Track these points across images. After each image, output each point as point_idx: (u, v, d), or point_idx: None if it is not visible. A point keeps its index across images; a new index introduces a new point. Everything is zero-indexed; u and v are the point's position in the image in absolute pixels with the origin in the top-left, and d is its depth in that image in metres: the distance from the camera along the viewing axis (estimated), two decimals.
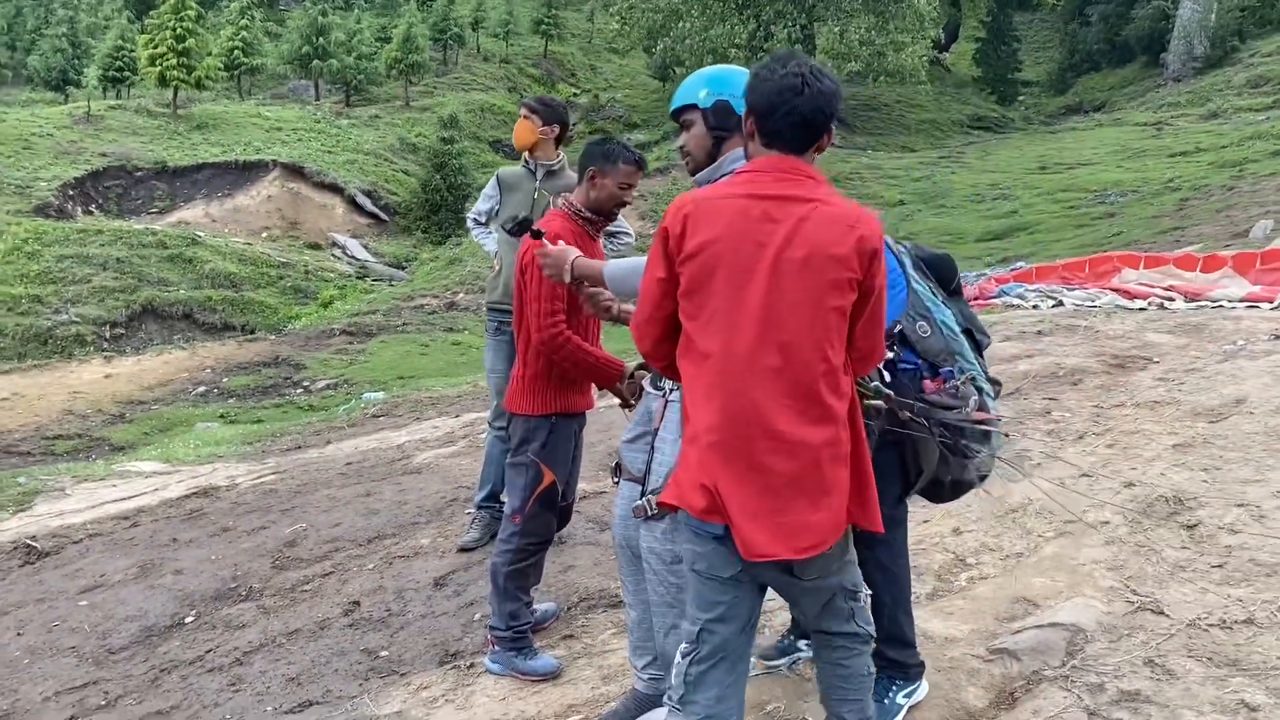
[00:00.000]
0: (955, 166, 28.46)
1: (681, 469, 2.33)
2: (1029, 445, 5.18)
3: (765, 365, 2.21)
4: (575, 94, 40.52)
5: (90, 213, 25.07)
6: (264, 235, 25.89)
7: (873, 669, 2.60)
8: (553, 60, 44.31)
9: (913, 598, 3.66)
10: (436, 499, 5.60)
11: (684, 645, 2.37)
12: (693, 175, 2.86)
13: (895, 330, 2.75)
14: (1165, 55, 35.73)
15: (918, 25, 33.46)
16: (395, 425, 8.41)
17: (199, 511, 6.00)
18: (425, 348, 18.11)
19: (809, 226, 2.22)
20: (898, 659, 2.98)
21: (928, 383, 2.79)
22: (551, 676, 3.51)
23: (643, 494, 2.87)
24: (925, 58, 33.88)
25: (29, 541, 5.75)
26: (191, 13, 29.22)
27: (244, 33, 34.51)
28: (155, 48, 28.94)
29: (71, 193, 25.25)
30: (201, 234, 23.70)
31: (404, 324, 19.74)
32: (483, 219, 4.96)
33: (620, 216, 3.80)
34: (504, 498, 4.77)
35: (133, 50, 31.31)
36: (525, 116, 4.55)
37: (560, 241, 3.04)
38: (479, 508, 4.84)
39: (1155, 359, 6.69)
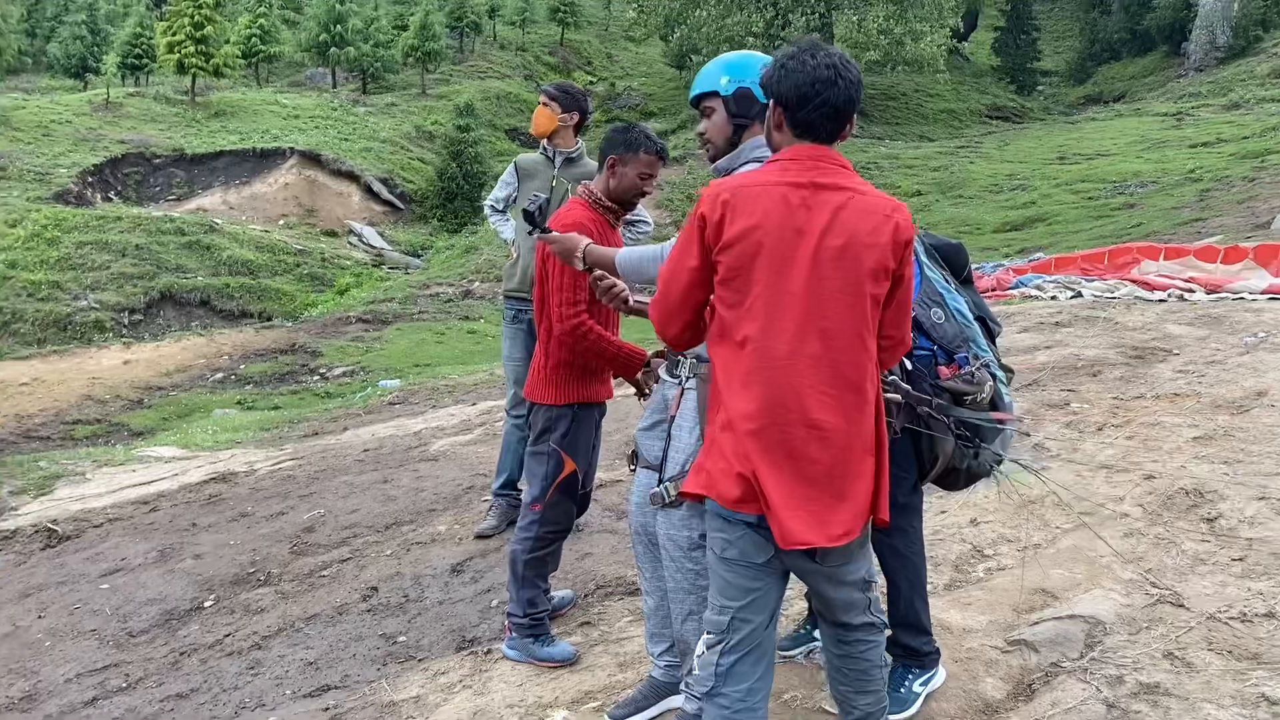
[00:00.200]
0: (973, 156, 28.29)
1: (711, 457, 2.32)
2: (1047, 437, 5.16)
3: (807, 353, 2.21)
4: (591, 82, 40.45)
5: (109, 199, 25.21)
6: (281, 223, 25.98)
7: (888, 659, 2.60)
8: (569, 48, 44.24)
9: (931, 588, 3.67)
10: (454, 486, 5.62)
11: (709, 636, 2.36)
12: (712, 162, 2.85)
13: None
14: (1187, 45, 35.41)
15: (936, 14, 33.24)
16: (412, 413, 8.45)
17: (218, 497, 6.05)
18: (441, 336, 18.15)
19: (847, 215, 2.22)
20: (914, 646, 2.99)
21: (942, 369, 2.79)
22: (569, 663, 3.51)
23: (659, 481, 2.87)
24: (944, 47, 33.63)
25: (50, 525, 5.81)
26: (210, 0, 29.28)
27: (262, 20, 34.62)
28: (173, 35, 29.06)
29: (91, 180, 25.39)
30: (219, 221, 23.79)
31: (420, 312, 19.79)
32: (500, 206, 4.95)
33: (639, 206, 3.79)
34: (521, 485, 4.80)
35: (151, 38, 31.45)
36: (544, 104, 4.53)
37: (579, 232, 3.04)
38: (496, 495, 4.86)
39: (1175, 351, 6.64)
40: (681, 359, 2.84)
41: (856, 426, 2.26)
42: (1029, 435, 5.13)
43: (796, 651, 3.31)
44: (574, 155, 4.57)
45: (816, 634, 3.34)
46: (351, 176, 27.64)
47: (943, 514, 4.35)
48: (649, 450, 3.00)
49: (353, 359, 16.70)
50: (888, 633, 2.61)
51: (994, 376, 2.83)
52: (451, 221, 27.90)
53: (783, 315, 2.21)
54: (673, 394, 2.90)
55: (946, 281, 2.83)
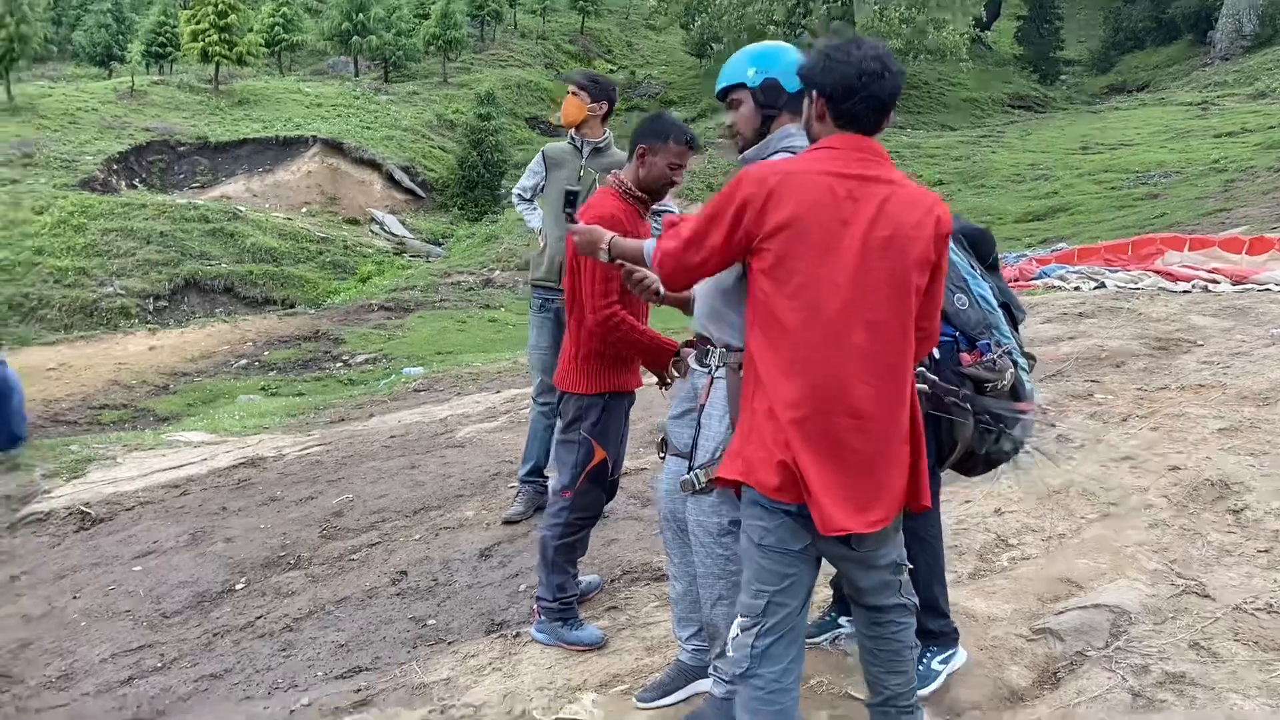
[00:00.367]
0: (995, 146, 28.14)
1: (749, 444, 2.35)
2: (1071, 427, 5.16)
3: (852, 343, 2.24)
4: (612, 70, 40.41)
5: (134, 187, 25.42)
6: (304, 210, 26.13)
7: (916, 641, 2.64)
8: (589, 36, 44.18)
9: (955, 577, 3.70)
10: (480, 472, 5.67)
11: (744, 619, 2.40)
12: (740, 153, 2.87)
13: None
14: (1213, 33, 35.05)
15: (959, 2, 33.02)
16: (437, 400, 8.51)
17: (247, 481, 6.13)
18: (462, 324, 18.24)
19: (893, 207, 2.26)
20: (932, 628, 3.02)
21: (964, 355, 2.81)
22: (596, 647, 3.56)
23: (689, 469, 2.90)
24: (966, 35, 33.43)
25: (83, 508, 5.91)
26: None
27: (285, 9, 34.76)
28: (197, 23, 29.21)
29: (116, 167, 25.59)
30: (242, 209, 23.96)
31: (441, 300, 19.89)
32: (528, 195, 4.96)
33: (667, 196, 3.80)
34: (548, 473, 4.85)
35: (175, 26, 31.62)
36: (574, 93, 4.55)
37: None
38: (523, 482, 4.90)
39: (1200, 342, 6.62)
40: (711, 348, 2.87)
41: (895, 416, 2.30)
42: (1053, 425, 5.14)
43: (822, 639, 3.34)
44: (602, 145, 4.59)
45: (842, 621, 3.39)
46: (373, 165, 27.76)
47: (967, 504, 4.37)
48: (678, 438, 3.03)
49: (375, 346, 16.82)
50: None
51: (1015, 364, 2.85)
52: (472, 210, 28.00)
53: (828, 305, 2.24)
54: (702, 383, 2.93)
55: (972, 267, 2.84)
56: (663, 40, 44.91)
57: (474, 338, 17.24)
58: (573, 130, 4.63)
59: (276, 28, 34.38)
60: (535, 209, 4.96)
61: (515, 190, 5.01)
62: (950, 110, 35.57)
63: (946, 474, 3.05)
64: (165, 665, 4.04)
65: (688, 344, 3.22)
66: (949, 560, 3.72)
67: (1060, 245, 13.66)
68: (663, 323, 4.66)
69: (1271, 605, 3.27)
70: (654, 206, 3.76)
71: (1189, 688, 2.91)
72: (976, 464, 3.00)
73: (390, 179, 27.85)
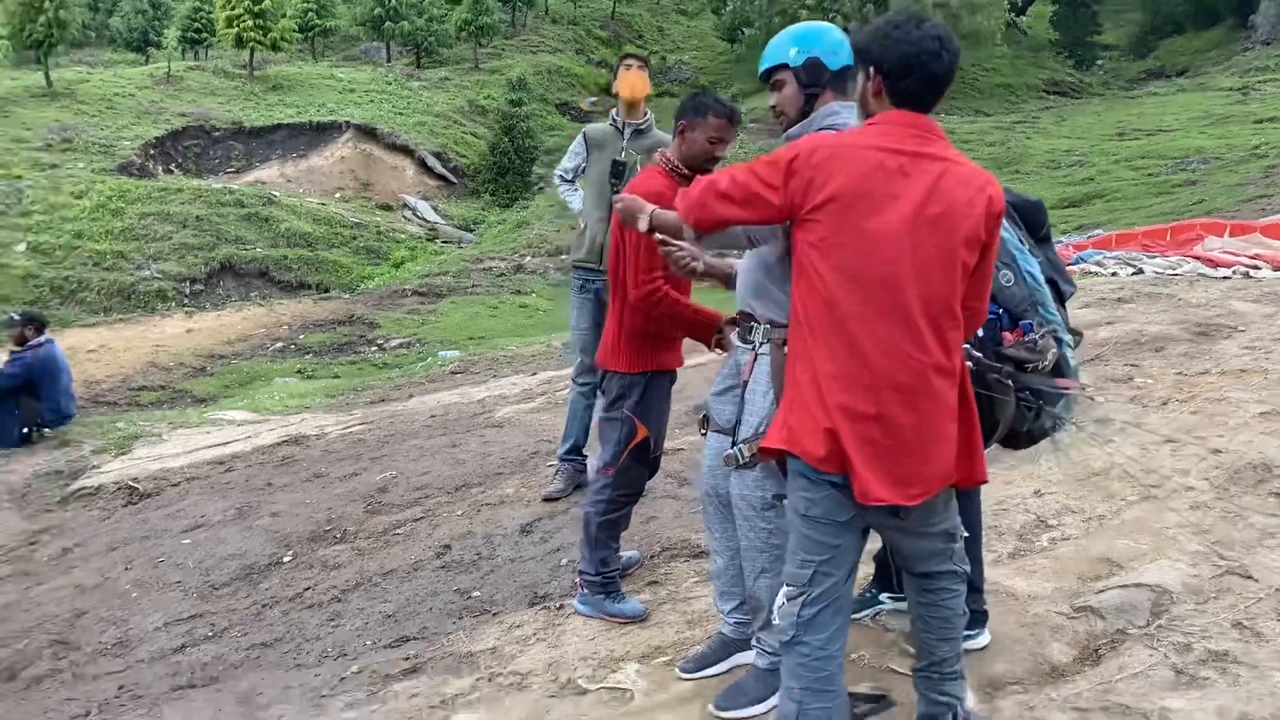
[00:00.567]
0: (1030, 132, 27.86)
1: (795, 413, 2.38)
2: (1111, 410, 5.15)
3: (898, 317, 2.26)
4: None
5: (170, 171, 25.73)
6: (337, 195, 26.35)
7: (966, 610, 2.67)
8: (620, 21, 44.10)
9: (995, 556, 3.73)
10: (519, 451, 5.75)
11: (790, 589, 2.44)
12: (784, 132, 2.90)
13: None
14: (1254, 17, 34.45)
15: None
16: (474, 382, 8.60)
17: (291, 458, 6.24)
18: (494, 309, 18.36)
19: (946, 184, 2.27)
20: (969, 605, 3.03)
21: (1006, 335, 2.80)
22: (638, 620, 3.61)
23: (733, 444, 2.94)
24: (1001, 20, 33.07)
25: (131, 483, 6.04)
26: None
27: None
28: (232, 9, 29.47)
29: (152, 152, 25.93)
30: (277, 194, 24.20)
31: (473, 285, 20.02)
32: (569, 176, 4.99)
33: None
34: (586, 451, 4.91)
35: (210, 12, 31.91)
36: (639, 68, 4.58)
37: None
38: (562, 460, 4.96)
39: (1241, 327, 6.56)
40: (755, 325, 2.90)
41: (941, 392, 2.31)
42: (1094, 400, 5.12)
43: (864, 614, 3.38)
44: (644, 126, 4.62)
45: (883, 597, 3.42)
46: (406, 150, 27.93)
47: (1007, 485, 4.38)
48: (720, 414, 3.07)
49: (409, 331, 16.97)
50: None
51: (1060, 341, 2.85)
52: (503, 196, 28.11)
53: (876, 279, 2.26)
54: (745, 359, 2.96)
55: (1021, 242, 2.83)
56: (694, 25, 44.76)
57: (505, 323, 17.36)
58: (614, 111, 4.66)
59: (310, 13, 34.59)
60: (576, 190, 4.99)
61: (557, 171, 5.04)
62: (984, 96, 35.24)
63: (987, 452, 3.07)
64: (216, 634, 4.14)
65: (731, 321, 3.26)
66: (988, 540, 3.75)
67: (1096, 232, 13.55)
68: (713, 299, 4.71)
69: None
70: None
71: (1232, 665, 2.92)
72: (1019, 441, 3.02)
73: (422, 165, 28.02)
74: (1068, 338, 2.85)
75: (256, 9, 29.32)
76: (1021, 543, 3.96)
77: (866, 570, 3.62)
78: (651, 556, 4.19)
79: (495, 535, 4.59)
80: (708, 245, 2.95)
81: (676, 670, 3.20)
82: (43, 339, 7.66)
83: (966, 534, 2.59)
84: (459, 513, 4.91)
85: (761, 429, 2.81)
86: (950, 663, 2.60)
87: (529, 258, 22.02)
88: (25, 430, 7.35)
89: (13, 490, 6.43)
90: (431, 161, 28.11)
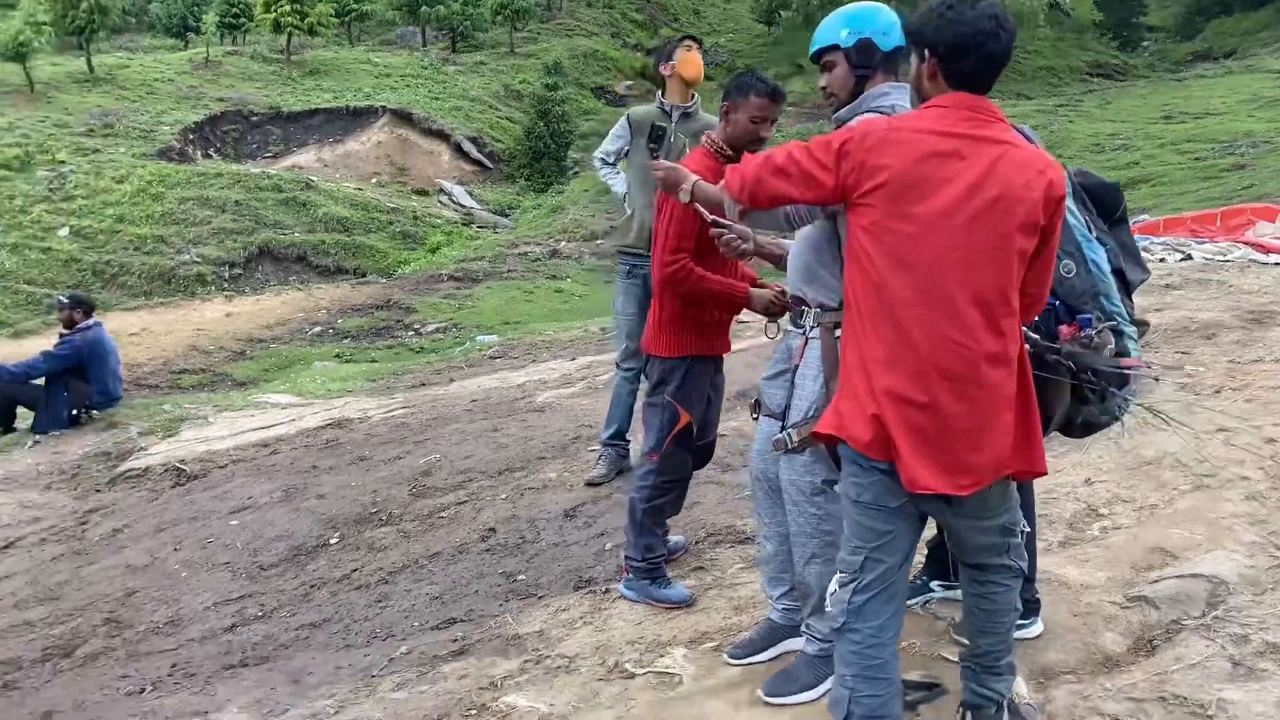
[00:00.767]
0: (1073, 115, 27.45)
1: (845, 399, 2.36)
2: (1162, 398, 5.08)
3: (950, 304, 2.22)
4: None
5: (209, 156, 25.99)
6: (373, 181, 26.50)
7: (1019, 605, 2.63)
8: (656, 5, 43.89)
9: (1045, 545, 3.68)
10: (560, 436, 5.76)
11: (842, 575, 2.43)
12: (834, 114, 2.87)
13: None
14: None
15: None
16: (513, 366, 8.63)
17: (335, 441, 6.29)
18: (530, 294, 18.40)
19: (1002, 168, 2.22)
20: (1023, 595, 3.00)
21: (1062, 328, 2.74)
22: (684, 605, 3.61)
23: (783, 429, 2.92)
24: (1044, 1, 32.56)
25: (179, 465, 6.12)
26: None
27: None
28: None
29: (192, 137, 26.21)
30: (314, 179, 24.38)
31: (509, 270, 20.07)
32: (611, 159, 4.96)
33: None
34: (629, 437, 4.91)
35: None
36: (696, 51, 4.56)
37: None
38: (605, 445, 4.96)
39: None
40: (805, 309, 2.88)
41: (994, 380, 2.26)
42: (1157, 381, 5.04)
43: (914, 602, 3.35)
44: (690, 110, 4.60)
45: (934, 585, 3.40)
46: (442, 135, 28.03)
47: (1056, 473, 4.33)
48: (772, 399, 3.05)
49: (445, 316, 17.05)
50: None
51: (1122, 334, 2.79)
52: (538, 181, 28.14)
53: (929, 265, 2.22)
54: (796, 343, 2.95)
55: (1089, 229, 2.76)
56: (730, 7, 44.46)
57: (541, 308, 17.40)
58: (659, 94, 4.64)
59: None
60: (618, 173, 4.96)
61: (597, 154, 5.00)
62: (1026, 79, 34.76)
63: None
64: (266, 614, 4.19)
65: (759, 284, 3.24)
66: (1039, 528, 3.71)
67: (1142, 217, 13.32)
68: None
69: None
70: None
71: None
72: (1074, 429, 2.97)
73: (458, 150, 28.11)
74: (1131, 330, 2.77)
75: None
76: (1072, 531, 3.92)
77: (918, 558, 3.60)
78: (696, 542, 4.19)
79: (539, 519, 4.60)
80: (747, 222, 2.92)
81: (724, 656, 3.19)
82: (91, 322, 7.78)
83: (1029, 529, 2.54)
84: (502, 496, 4.93)
85: (811, 413, 2.79)
86: (996, 657, 2.56)
87: (564, 243, 22.04)
88: (74, 412, 7.48)
89: (63, 471, 6.54)
90: (467, 146, 28.19)
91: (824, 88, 2.87)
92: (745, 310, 3.54)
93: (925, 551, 3.45)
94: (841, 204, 2.44)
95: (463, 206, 26.21)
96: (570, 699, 3.08)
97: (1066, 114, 27.58)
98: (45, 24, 25.89)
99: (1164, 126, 24.50)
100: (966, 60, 2.27)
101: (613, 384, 5.01)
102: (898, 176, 2.23)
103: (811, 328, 2.86)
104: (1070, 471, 4.36)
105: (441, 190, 26.79)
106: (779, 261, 3.06)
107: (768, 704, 2.92)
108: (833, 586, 2.47)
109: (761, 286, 3.44)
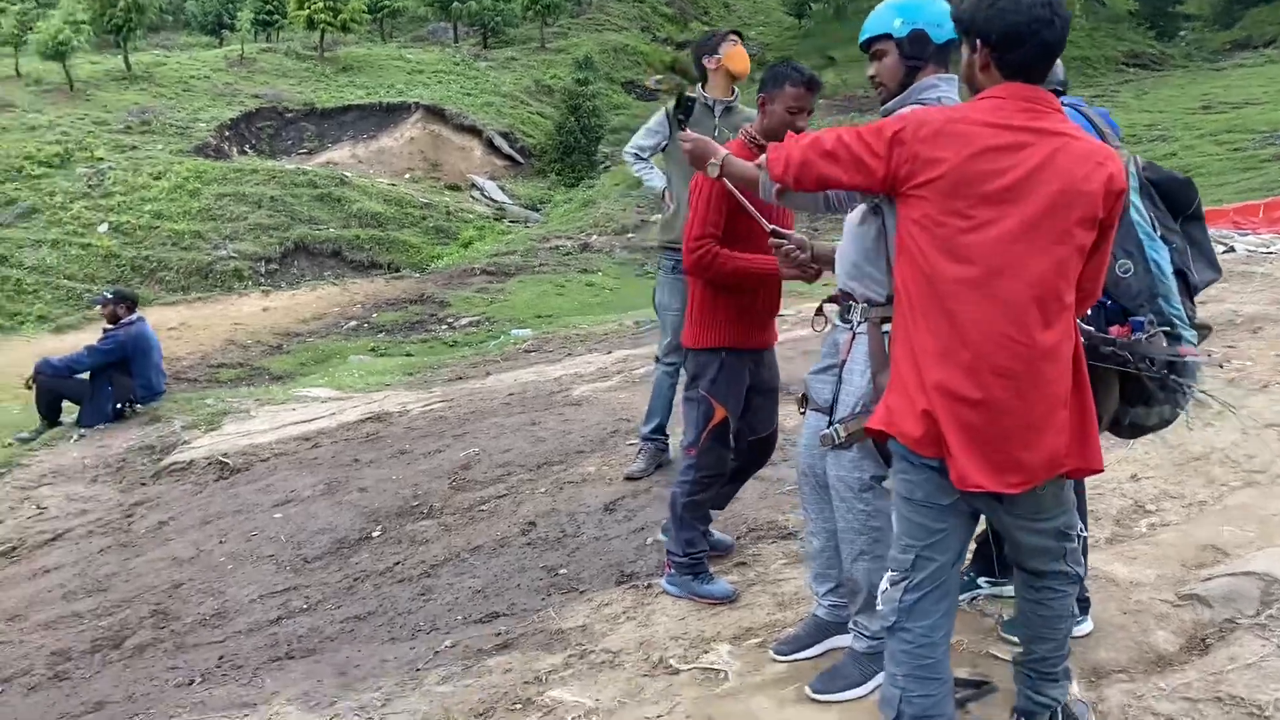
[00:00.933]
0: (1109, 105, 26.97)
1: (894, 394, 2.33)
2: (1208, 393, 5.00)
3: (1004, 299, 2.17)
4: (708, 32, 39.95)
5: (245, 153, 26.20)
6: (407, 176, 26.62)
7: (1075, 611, 2.60)
8: None
9: (1091, 541, 3.63)
10: (598, 430, 5.77)
11: (893, 573, 2.40)
12: (882, 105, 2.85)
13: None
14: None
15: None
16: (549, 360, 8.65)
17: (375, 435, 6.34)
18: (561, 288, 18.43)
19: (1061, 160, 2.17)
20: None
21: (1113, 329, 2.66)
22: (727, 601, 3.60)
23: (829, 424, 2.91)
24: None
25: (222, 458, 6.19)
26: None
27: None
28: None
29: (227, 133, 26.41)
30: (349, 174, 24.52)
31: (540, 264, 20.10)
32: (645, 154, 4.91)
33: None
34: (669, 431, 4.91)
35: None
36: (741, 45, 4.53)
37: None
38: (645, 439, 4.96)
39: None
40: (853, 304, 2.86)
41: (1048, 376, 2.21)
42: (1222, 367, 4.96)
43: (962, 598, 3.32)
44: (732, 104, 4.58)
45: (981, 582, 3.37)
46: (474, 131, 28.10)
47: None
48: (819, 393, 3.04)
49: (478, 309, 17.12)
50: None
51: (1179, 338, 2.71)
52: (569, 175, 28.15)
53: (984, 259, 2.18)
54: (844, 338, 2.93)
55: (1154, 226, 2.70)
56: (760, 0, 44.23)
57: (573, 301, 17.43)
58: (700, 88, 4.61)
59: None
60: (653, 168, 4.94)
61: (630, 150, 4.92)
62: None
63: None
64: (311, 607, 4.23)
65: (829, 300, 3.18)
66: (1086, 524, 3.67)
67: None
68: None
69: None
70: None
71: None
72: (1121, 431, 2.92)
73: (490, 145, 28.17)
74: (1190, 334, 2.68)
75: None
76: (1119, 528, 3.88)
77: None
78: (738, 537, 4.18)
79: (579, 513, 4.61)
80: (784, 203, 2.89)
81: (770, 652, 3.19)
82: (134, 317, 7.89)
83: (1085, 533, 2.50)
84: (542, 490, 4.95)
85: (858, 408, 2.77)
86: (1051, 663, 2.52)
87: (595, 236, 22.03)
88: (118, 406, 7.59)
89: (108, 464, 6.64)
90: (499, 141, 28.25)
91: (872, 77, 2.83)
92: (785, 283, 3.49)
93: (972, 547, 3.42)
94: (886, 194, 2.41)
95: (495, 201, 26.28)
96: (615, 694, 3.09)
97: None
98: (84, 22, 26.18)
99: (1203, 117, 24.11)
100: (1020, 50, 2.21)
101: (652, 378, 5.01)
102: (954, 170, 2.18)
103: (859, 322, 2.84)
104: (1116, 467, 4.30)
105: (474, 185, 26.87)
106: (833, 264, 3.04)
107: (815, 701, 2.90)
108: (883, 585, 2.45)
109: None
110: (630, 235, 21.52)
